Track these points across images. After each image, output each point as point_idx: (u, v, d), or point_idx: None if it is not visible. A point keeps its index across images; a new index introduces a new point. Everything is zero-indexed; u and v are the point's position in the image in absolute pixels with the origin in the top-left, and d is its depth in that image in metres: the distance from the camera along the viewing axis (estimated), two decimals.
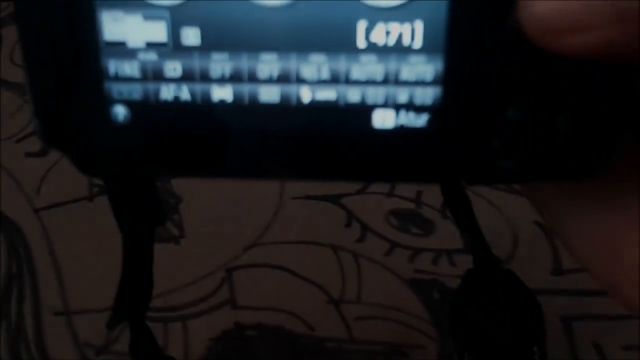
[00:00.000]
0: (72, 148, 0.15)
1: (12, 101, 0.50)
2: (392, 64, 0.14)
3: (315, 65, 0.14)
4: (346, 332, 0.32)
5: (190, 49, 0.14)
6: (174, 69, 0.14)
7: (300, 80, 0.14)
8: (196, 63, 0.14)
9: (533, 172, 0.14)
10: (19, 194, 0.41)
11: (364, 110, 0.14)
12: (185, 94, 0.14)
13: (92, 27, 0.14)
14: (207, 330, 0.32)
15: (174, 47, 0.14)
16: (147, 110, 0.14)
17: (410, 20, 0.13)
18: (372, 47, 0.14)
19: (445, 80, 0.14)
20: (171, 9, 0.14)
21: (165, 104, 0.14)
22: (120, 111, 0.14)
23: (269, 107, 0.14)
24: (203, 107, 0.14)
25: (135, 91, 0.14)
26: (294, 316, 0.32)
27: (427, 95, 0.14)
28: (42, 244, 0.37)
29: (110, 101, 0.14)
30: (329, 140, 0.14)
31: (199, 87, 0.14)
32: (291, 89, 0.14)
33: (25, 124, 0.47)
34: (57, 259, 0.36)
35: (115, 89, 0.14)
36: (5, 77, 0.53)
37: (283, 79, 0.14)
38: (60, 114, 0.14)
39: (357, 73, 0.14)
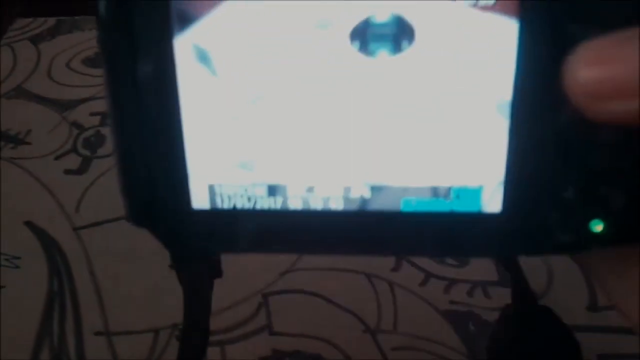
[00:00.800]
0: (158, 229, 0.16)
1: (50, 117, 0.51)
2: None
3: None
4: None
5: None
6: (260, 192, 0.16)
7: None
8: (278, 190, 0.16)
9: (587, 243, 0.15)
10: (59, 212, 0.41)
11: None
12: (264, 204, 0.16)
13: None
14: (245, 355, 0.32)
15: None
16: (224, 205, 0.16)
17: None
18: None
19: (508, 169, 0.15)
20: None
21: (243, 208, 0.16)
22: (203, 202, 0.16)
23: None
24: (279, 211, 0.16)
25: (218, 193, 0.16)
26: (330, 345, 0.33)
27: None
28: (82, 263, 0.38)
29: (196, 195, 0.16)
30: (412, 221, 0.16)
31: (277, 200, 0.16)
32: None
33: (64, 140, 0.48)
34: (97, 279, 0.37)
35: (200, 182, 0.16)
36: (43, 94, 0.54)
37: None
38: (147, 201, 0.16)
39: None
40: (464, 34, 0.14)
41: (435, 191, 0.15)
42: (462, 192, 0.15)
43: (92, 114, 0.51)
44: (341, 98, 0.15)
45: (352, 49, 0.14)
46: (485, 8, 0.13)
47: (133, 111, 0.15)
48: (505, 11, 0.13)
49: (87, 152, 0.47)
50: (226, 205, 0.16)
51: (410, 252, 0.17)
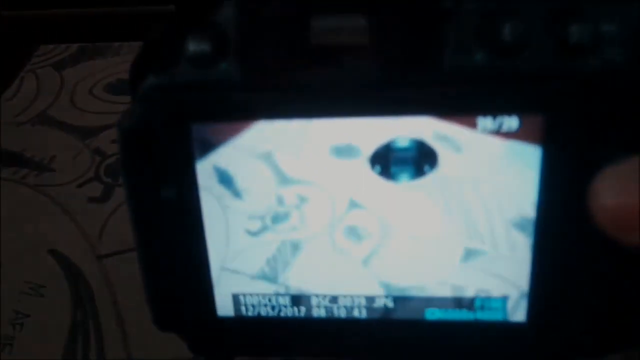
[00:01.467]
0: (184, 334, 0.17)
1: (72, 144, 0.52)
2: None
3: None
4: None
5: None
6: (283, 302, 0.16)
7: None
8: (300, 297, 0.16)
9: (609, 348, 0.15)
10: (82, 240, 0.42)
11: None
12: (288, 313, 0.16)
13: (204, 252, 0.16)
14: None
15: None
16: (248, 313, 0.17)
17: None
18: None
19: (532, 281, 0.15)
20: None
21: (267, 316, 0.16)
22: (228, 310, 0.16)
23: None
24: (303, 319, 0.16)
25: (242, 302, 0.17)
26: None
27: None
28: (105, 292, 0.38)
29: (221, 303, 0.16)
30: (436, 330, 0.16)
31: (301, 309, 0.16)
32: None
33: (86, 168, 0.49)
34: (120, 308, 0.37)
35: (225, 292, 0.16)
36: (66, 120, 0.55)
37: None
38: (173, 309, 0.17)
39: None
40: (487, 159, 0.14)
41: (458, 302, 0.15)
42: (486, 302, 0.15)
43: (114, 141, 0.52)
44: (363, 216, 0.15)
45: (372, 174, 0.14)
46: (508, 135, 0.13)
47: (156, 228, 0.15)
48: (528, 137, 0.13)
49: (109, 180, 0.48)
50: (250, 313, 0.16)
51: (435, 359, 0.18)
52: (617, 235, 0.13)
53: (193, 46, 0.13)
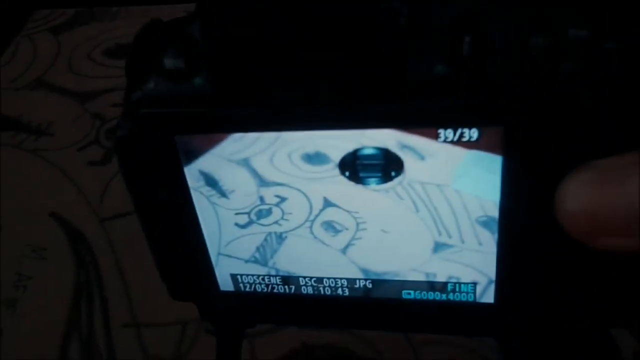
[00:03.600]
0: (195, 302, 0.20)
1: (71, 109, 0.51)
2: None
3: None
4: (414, 357, 0.32)
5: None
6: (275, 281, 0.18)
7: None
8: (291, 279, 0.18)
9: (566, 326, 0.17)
10: (84, 204, 0.41)
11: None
12: (279, 290, 0.18)
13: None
14: (274, 349, 0.32)
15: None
16: (246, 289, 0.19)
17: None
18: None
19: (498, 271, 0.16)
20: None
21: (262, 291, 0.19)
22: (228, 286, 0.19)
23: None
24: (293, 295, 0.18)
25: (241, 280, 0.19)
26: (360, 338, 0.32)
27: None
28: (108, 254, 0.38)
29: (222, 281, 0.19)
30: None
31: (291, 287, 0.18)
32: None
33: (86, 132, 0.48)
34: (123, 270, 0.37)
35: (224, 272, 0.19)
36: (64, 85, 0.54)
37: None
38: (184, 284, 0.19)
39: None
40: (450, 166, 0.14)
41: (431, 286, 0.17)
42: (457, 287, 0.17)
43: (114, 105, 0.51)
44: (337, 213, 0.16)
45: (343, 178, 0.15)
46: (469, 144, 0.14)
47: (159, 222, 0.17)
48: (488, 147, 0.13)
49: (109, 144, 0.47)
50: (248, 289, 0.19)
51: (412, 330, 0.22)
52: (582, 239, 0.13)
53: (168, 62, 0.14)
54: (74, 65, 0.57)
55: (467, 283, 0.17)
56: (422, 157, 0.14)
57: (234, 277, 0.19)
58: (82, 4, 0.66)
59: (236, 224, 0.17)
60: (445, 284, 0.17)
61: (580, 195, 0.12)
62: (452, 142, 0.14)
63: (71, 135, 0.48)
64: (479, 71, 0.12)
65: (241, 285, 0.19)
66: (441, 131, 0.14)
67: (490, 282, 0.17)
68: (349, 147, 0.15)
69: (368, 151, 0.14)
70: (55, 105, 0.51)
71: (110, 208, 0.41)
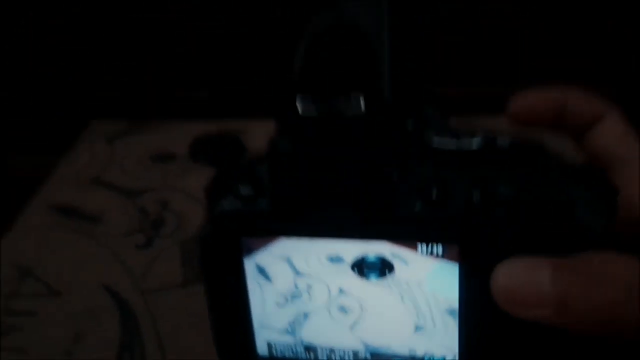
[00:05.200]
0: None
1: (121, 203, 0.62)
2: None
3: None
4: None
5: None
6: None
7: None
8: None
9: None
10: (130, 279, 0.51)
11: None
12: (302, 356, 0.24)
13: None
14: None
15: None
16: (278, 355, 0.24)
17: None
18: None
19: (460, 349, 0.22)
20: None
21: (289, 357, 0.24)
22: (264, 351, 0.25)
23: None
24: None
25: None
26: None
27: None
28: (148, 321, 0.46)
29: (259, 347, 0.24)
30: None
31: (311, 354, 0.24)
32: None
33: (133, 222, 0.59)
34: (161, 336, 0.45)
35: (262, 340, 0.24)
36: (116, 183, 0.65)
37: None
38: (229, 347, 0.25)
39: None
40: (425, 271, 0.21)
41: (413, 358, 0.23)
42: (432, 359, 0.23)
43: (156, 201, 0.62)
44: (348, 299, 0.23)
45: (353, 273, 0.22)
46: (437, 256, 0.21)
47: (221, 298, 0.24)
48: (450, 258, 0.21)
49: (151, 232, 0.57)
50: (279, 355, 0.24)
51: None
52: (511, 311, 0.20)
53: (242, 190, 0.22)
54: (125, 168, 0.69)
55: (439, 357, 0.22)
56: (406, 263, 0.21)
57: (269, 344, 0.24)
58: (134, 116, 0.80)
59: (276, 303, 0.23)
60: (422, 357, 0.22)
61: (507, 278, 0.19)
62: (426, 254, 0.20)
63: (120, 224, 0.58)
64: (442, 210, 0.20)
65: (274, 351, 0.24)
66: (419, 246, 0.21)
67: (455, 357, 0.22)
68: (359, 253, 0.21)
69: (371, 256, 0.21)
70: (108, 199, 0.63)
71: (151, 283, 0.50)
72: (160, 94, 0.80)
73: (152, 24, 0.78)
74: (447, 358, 0.22)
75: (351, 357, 0.23)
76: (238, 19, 0.75)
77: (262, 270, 0.22)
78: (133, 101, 0.81)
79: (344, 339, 0.23)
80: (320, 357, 0.23)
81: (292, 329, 0.23)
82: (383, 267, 0.21)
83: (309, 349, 0.24)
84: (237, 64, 0.78)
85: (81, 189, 0.65)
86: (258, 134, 0.80)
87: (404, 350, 0.23)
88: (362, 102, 0.19)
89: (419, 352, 0.22)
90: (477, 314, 0.21)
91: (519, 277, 0.19)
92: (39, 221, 0.59)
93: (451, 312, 0.21)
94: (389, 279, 0.21)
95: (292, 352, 0.24)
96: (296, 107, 0.20)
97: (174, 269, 0.52)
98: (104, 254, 0.54)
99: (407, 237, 0.20)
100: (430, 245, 0.20)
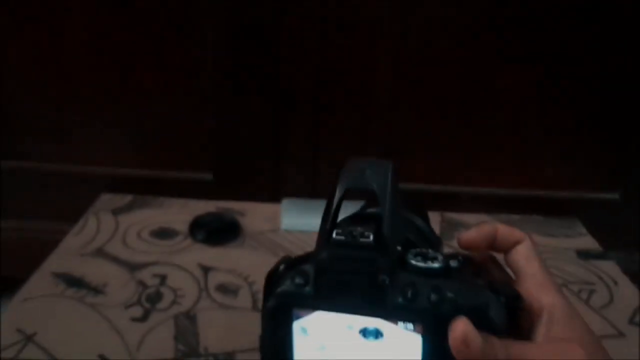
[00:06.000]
0: None
1: (122, 275, 0.66)
2: None
3: None
4: None
5: None
6: None
7: None
8: None
9: None
10: (125, 350, 0.54)
11: None
12: None
13: None
14: None
15: None
16: None
17: None
18: None
19: None
20: None
21: None
22: None
23: None
24: None
25: None
26: None
27: None
28: None
29: None
30: None
31: None
32: None
33: (132, 294, 0.63)
34: None
35: None
36: (118, 255, 0.70)
37: None
38: None
39: None
40: (403, 339, 0.31)
41: None
42: None
43: (154, 275, 0.67)
44: (359, 353, 0.32)
45: (359, 335, 0.31)
46: (408, 329, 0.30)
47: (272, 346, 0.33)
48: (418, 331, 0.30)
49: (148, 305, 0.61)
50: None
51: None
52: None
53: (296, 279, 0.31)
54: (127, 241, 0.74)
55: None
56: (391, 332, 0.31)
57: None
58: (140, 192, 0.86)
59: (311, 351, 0.32)
60: None
61: (459, 327, 0.29)
62: (403, 328, 0.30)
63: (120, 296, 0.62)
64: (413, 303, 0.30)
65: None
66: (399, 323, 0.30)
67: None
68: (363, 324, 0.31)
69: (370, 327, 0.31)
70: (110, 271, 0.67)
71: (144, 354, 0.54)
72: (166, 173, 0.87)
73: (161, 106, 0.85)
74: None
75: None
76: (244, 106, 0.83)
77: (304, 330, 0.32)
78: (141, 178, 0.87)
79: None
80: None
81: None
82: (377, 334, 0.31)
83: None
84: (239, 150, 0.85)
85: (86, 259, 0.69)
86: (254, 216, 0.87)
87: None
88: (372, 236, 0.31)
89: None
90: None
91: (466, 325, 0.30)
92: (43, 288, 0.63)
93: None
94: (380, 340, 0.31)
95: None
96: (332, 235, 0.32)
97: (167, 342, 0.56)
98: (102, 325, 0.58)
99: (392, 318, 0.31)
100: (405, 323, 0.30)
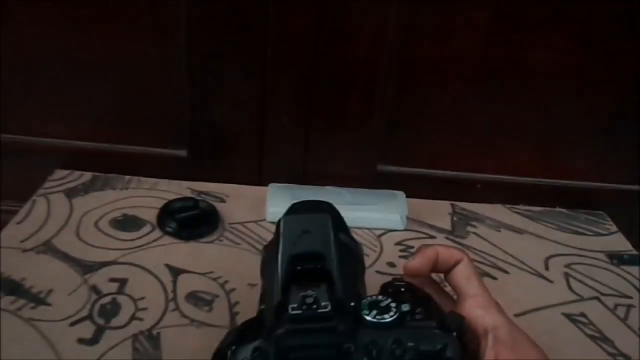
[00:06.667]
0: None
1: (71, 279, 0.54)
2: None
3: None
4: None
5: None
6: None
7: None
8: None
9: None
10: None
11: None
12: None
13: None
14: None
15: None
16: None
17: None
18: None
19: None
20: None
21: None
22: None
23: None
24: None
25: None
26: None
27: None
28: None
29: None
30: None
31: None
32: None
33: (81, 305, 0.51)
34: None
35: None
36: (69, 252, 0.58)
37: None
38: None
39: None
40: None
41: None
42: None
43: (111, 280, 0.55)
44: None
45: None
46: None
47: None
48: None
49: (101, 321, 0.50)
50: None
51: None
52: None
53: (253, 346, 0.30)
54: (82, 233, 0.61)
55: None
56: None
57: None
58: (100, 169, 0.73)
59: None
60: None
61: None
62: None
63: (67, 308, 0.51)
64: None
65: None
66: None
67: None
68: None
69: None
70: (58, 273, 0.55)
71: None
72: (132, 148, 0.74)
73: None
74: None
75: None
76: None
77: None
78: (103, 153, 0.74)
79: None
80: None
81: None
82: None
83: None
84: (218, 123, 0.72)
85: (29, 256, 0.57)
86: (236, 202, 0.75)
87: None
88: (329, 305, 0.31)
89: None
90: None
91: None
92: None
93: None
94: None
95: None
96: (288, 310, 0.31)
97: None
98: (40, 349, 0.46)
99: None
100: None
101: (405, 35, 0.65)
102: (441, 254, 0.39)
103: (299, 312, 0.30)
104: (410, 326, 0.31)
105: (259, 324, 0.32)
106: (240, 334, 0.32)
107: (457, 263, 0.38)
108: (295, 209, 0.41)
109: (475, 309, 0.36)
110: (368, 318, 0.31)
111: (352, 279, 0.36)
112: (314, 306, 0.30)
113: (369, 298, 0.33)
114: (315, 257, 0.33)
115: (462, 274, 0.38)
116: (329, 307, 0.30)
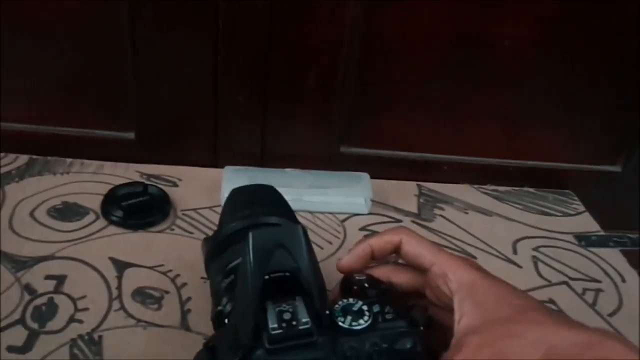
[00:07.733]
0: None
1: (3, 278, 0.49)
2: None
3: None
4: None
5: None
6: None
7: None
8: None
9: None
10: None
11: None
12: None
13: None
14: None
15: None
16: None
17: None
18: None
19: None
20: None
21: None
22: None
23: None
24: None
25: None
26: None
27: None
28: None
29: None
30: None
31: None
32: None
33: (13, 307, 0.46)
34: None
35: None
36: (2, 246, 0.52)
37: None
38: None
39: None
40: None
41: None
42: None
43: (48, 277, 0.50)
44: None
45: None
46: None
47: None
48: None
49: (35, 325, 0.45)
50: None
51: None
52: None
53: None
54: (15, 224, 0.56)
55: None
56: None
57: None
58: (38, 151, 0.67)
59: None
60: None
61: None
62: None
63: None
64: None
65: None
66: None
67: None
68: None
69: None
70: None
71: None
72: (74, 130, 0.67)
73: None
74: None
75: None
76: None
77: None
78: (41, 136, 0.67)
79: None
80: None
81: None
82: None
83: None
84: (169, 101, 0.66)
85: None
86: (189, 186, 0.70)
87: None
88: (309, 322, 0.31)
89: None
90: None
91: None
92: None
93: None
94: None
95: None
96: (265, 326, 0.30)
97: None
98: None
99: None
100: None
101: (367, 9, 0.61)
102: (376, 245, 0.38)
103: (280, 331, 0.29)
104: (384, 328, 0.32)
105: (234, 342, 0.31)
106: (212, 356, 0.30)
107: (398, 245, 0.38)
108: (237, 194, 0.42)
109: (441, 275, 0.35)
110: (344, 325, 0.31)
111: (320, 282, 0.35)
112: (294, 322, 0.29)
113: (340, 303, 0.33)
114: (288, 271, 0.32)
115: (409, 255, 0.37)
116: (310, 324, 0.30)
